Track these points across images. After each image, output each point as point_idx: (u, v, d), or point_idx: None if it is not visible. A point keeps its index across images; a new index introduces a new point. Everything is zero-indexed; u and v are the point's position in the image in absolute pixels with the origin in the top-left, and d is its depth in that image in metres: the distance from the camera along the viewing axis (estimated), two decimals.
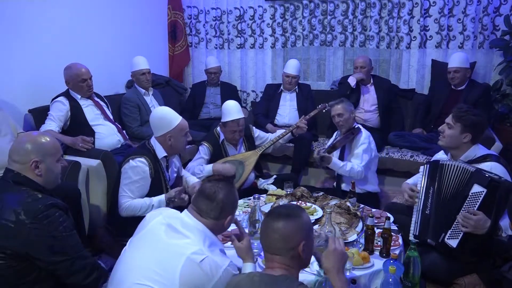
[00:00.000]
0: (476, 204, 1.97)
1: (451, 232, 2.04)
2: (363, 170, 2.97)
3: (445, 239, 2.05)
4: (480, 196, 1.96)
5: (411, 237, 2.19)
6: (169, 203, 2.38)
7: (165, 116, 2.52)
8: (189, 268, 1.45)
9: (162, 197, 2.44)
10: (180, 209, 1.74)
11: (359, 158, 3.00)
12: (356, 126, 3.11)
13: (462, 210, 2.01)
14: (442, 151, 2.50)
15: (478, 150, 2.27)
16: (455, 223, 2.03)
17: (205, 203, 1.64)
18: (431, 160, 2.45)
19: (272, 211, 1.54)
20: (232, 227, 2.26)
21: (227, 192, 1.66)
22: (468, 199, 2.01)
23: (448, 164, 2.18)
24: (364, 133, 3.08)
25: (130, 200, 2.42)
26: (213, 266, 1.48)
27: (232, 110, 3.05)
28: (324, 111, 3.49)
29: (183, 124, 2.54)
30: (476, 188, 1.99)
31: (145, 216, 1.73)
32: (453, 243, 2.02)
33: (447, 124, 2.29)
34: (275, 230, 1.40)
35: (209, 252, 1.51)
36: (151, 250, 1.54)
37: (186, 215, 1.64)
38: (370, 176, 3.17)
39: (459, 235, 2.00)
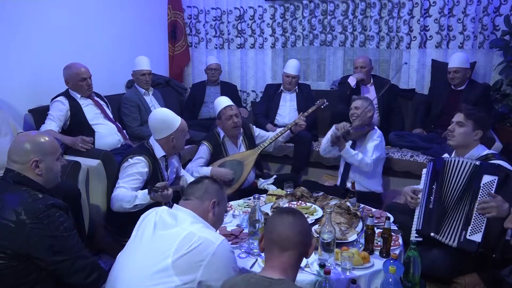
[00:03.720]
0: (491, 191, 2.00)
1: (471, 228, 2.03)
2: (372, 163, 2.98)
3: (468, 237, 2.03)
4: (493, 184, 2.01)
5: (413, 234, 2.20)
6: (150, 192, 2.30)
7: (166, 119, 2.54)
8: (181, 252, 1.47)
9: (145, 191, 2.39)
10: None
11: (370, 152, 3.01)
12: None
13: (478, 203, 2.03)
14: (446, 154, 2.51)
15: (481, 149, 2.32)
16: (473, 217, 2.03)
17: (192, 186, 1.75)
18: (435, 158, 2.47)
19: (279, 209, 1.56)
20: (232, 227, 2.29)
21: (214, 182, 1.77)
22: (481, 190, 2.04)
23: (453, 160, 2.22)
24: (378, 131, 3.10)
25: (120, 190, 2.40)
26: (205, 243, 1.48)
27: (221, 101, 3.19)
28: (322, 107, 3.49)
29: (184, 125, 2.59)
30: (487, 178, 2.03)
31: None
32: (477, 238, 2.00)
33: (457, 123, 2.31)
34: (294, 224, 1.40)
35: (200, 232, 1.52)
36: (145, 251, 1.55)
37: (175, 206, 1.68)
38: (377, 176, 3.17)
39: (481, 228, 2.00)
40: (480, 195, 2.04)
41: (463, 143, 2.30)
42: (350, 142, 3.12)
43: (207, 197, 1.69)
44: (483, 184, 2.04)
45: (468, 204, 2.08)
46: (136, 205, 2.33)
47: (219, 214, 1.73)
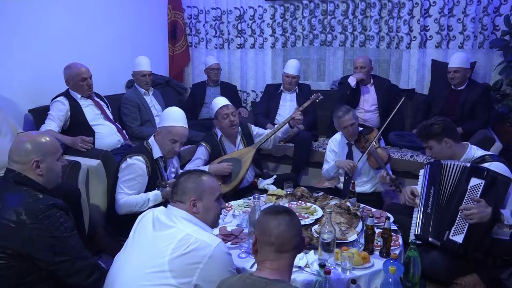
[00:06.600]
0: (476, 196, 2.03)
1: (455, 228, 2.06)
2: None
3: (450, 237, 2.06)
4: (480, 188, 2.03)
5: (411, 237, 2.20)
6: (158, 186, 2.37)
7: (170, 113, 2.58)
8: (178, 252, 1.47)
9: (158, 191, 2.46)
10: None
11: None
12: (363, 130, 3.17)
13: (464, 204, 2.06)
14: None
15: (475, 151, 2.32)
16: (458, 218, 2.05)
17: (173, 190, 1.71)
18: (432, 160, 2.47)
19: (271, 209, 1.47)
20: (232, 227, 2.28)
21: (190, 176, 1.70)
22: (467, 193, 2.06)
23: (448, 164, 2.22)
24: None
25: (126, 196, 2.43)
26: (201, 245, 1.48)
27: (218, 101, 3.20)
28: (317, 100, 3.47)
29: (174, 131, 2.51)
30: (474, 181, 2.06)
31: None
32: (459, 239, 2.03)
33: (426, 149, 2.40)
34: (292, 225, 1.38)
35: (196, 234, 1.52)
36: (142, 251, 1.56)
37: (169, 206, 1.68)
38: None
39: (463, 230, 2.03)
40: (466, 197, 2.07)
41: (448, 156, 2.30)
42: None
43: (186, 198, 1.65)
44: (470, 187, 2.07)
45: (455, 205, 2.10)
46: (149, 206, 2.37)
47: (205, 208, 1.66)
